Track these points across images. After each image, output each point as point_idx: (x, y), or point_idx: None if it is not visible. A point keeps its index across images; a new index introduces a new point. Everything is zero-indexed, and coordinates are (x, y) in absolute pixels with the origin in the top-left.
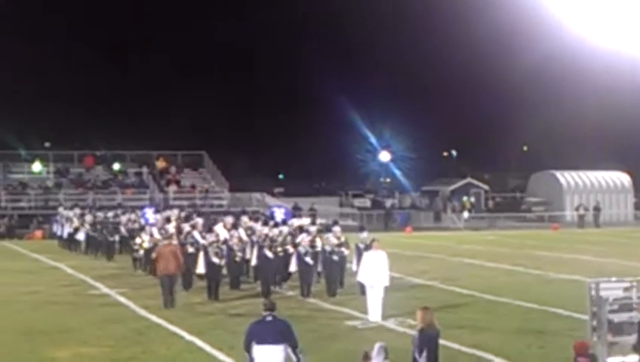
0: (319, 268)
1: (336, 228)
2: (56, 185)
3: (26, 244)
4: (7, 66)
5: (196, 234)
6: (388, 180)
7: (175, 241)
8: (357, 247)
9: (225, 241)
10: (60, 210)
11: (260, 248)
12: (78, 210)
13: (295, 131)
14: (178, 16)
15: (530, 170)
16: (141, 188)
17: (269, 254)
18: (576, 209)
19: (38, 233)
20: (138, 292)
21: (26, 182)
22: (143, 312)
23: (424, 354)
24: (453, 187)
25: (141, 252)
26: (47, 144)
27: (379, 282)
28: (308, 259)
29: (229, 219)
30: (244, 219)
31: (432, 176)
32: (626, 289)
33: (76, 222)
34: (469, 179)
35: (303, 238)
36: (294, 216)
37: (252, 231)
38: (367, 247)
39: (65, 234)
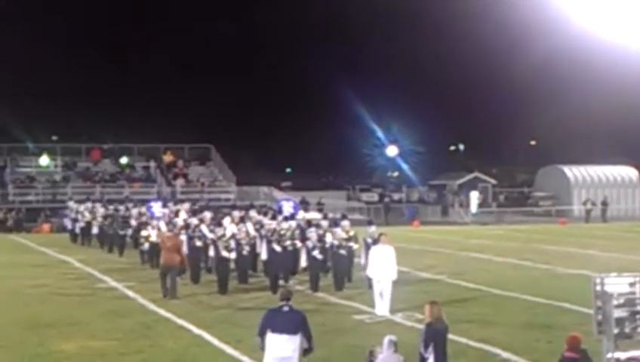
0: (328, 263)
1: (345, 223)
2: (64, 179)
3: (34, 238)
4: (14, 60)
5: (204, 228)
6: (395, 174)
7: (184, 236)
8: (365, 242)
9: (233, 235)
10: (70, 203)
11: (268, 242)
12: (90, 204)
13: (303, 125)
14: (185, 11)
15: (538, 164)
16: (148, 182)
17: (277, 248)
18: (584, 203)
19: (46, 226)
20: (146, 286)
21: (34, 176)
22: (150, 306)
23: (430, 348)
24: (460, 181)
25: (147, 245)
26: (54, 137)
27: (386, 276)
28: (316, 254)
29: (237, 213)
30: (253, 213)
31: (440, 171)
32: (631, 285)
33: (88, 216)
34: (476, 174)
35: (312, 233)
36: (305, 210)
37: (260, 225)
38: (376, 241)
39: (77, 229)
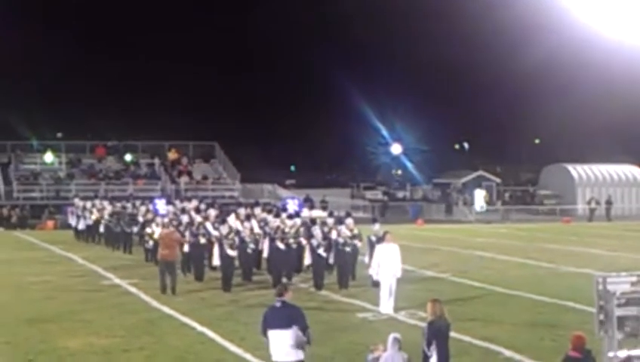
0: (331, 260)
1: (349, 220)
2: (68, 176)
3: (38, 234)
4: (18, 57)
5: (208, 225)
6: (399, 172)
7: (187, 233)
8: (369, 239)
9: (237, 233)
10: (76, 200)
11: (272, 240)
12: (97, 201)
13: (307, 123)
14: (190, 8)
15: (542, 163)
16: (153, 179)
17: (281, 246)
18: (588, 203)
19: (50, 223)
20: (149, 283)
21: (38, 173)
22: (154, 303)
23: (433, 346)
24: (464, 180)
25: (151, 243)
26: (59, 134)
27: (391, 274)
28: (321, 252)
29: (242, 211)
30: (257, 210)
31: (444, 169)
32: (633, 284)
33: (96, 214)
34: (480, 172)
35: (316, 230)
36: (309, 208)
37: (265, 222)
38: (380, 239)
39: (83, 226)
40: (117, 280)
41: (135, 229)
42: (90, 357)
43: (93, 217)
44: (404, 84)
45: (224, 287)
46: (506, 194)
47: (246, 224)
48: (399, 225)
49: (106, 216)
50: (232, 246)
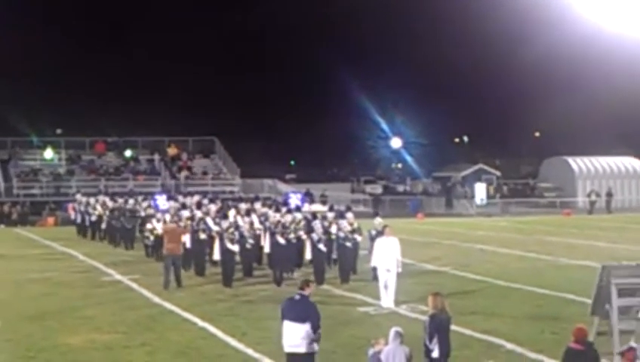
0: (334, 255)
1: (349, 215)
2: (68, 172)
3: (39, 231)
4: (18, 53)
5: (209, 220)
6: (399, 166)
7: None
8: (370, 233)
9: (237, 227)
10: (78, 196)
11: (272, 234)
12: (101, 197)
13: (307, 118)
14: (189, 4)
15: (542, 155)
16: (153, 175)
17: (282, 241)
18: (588, 195)
19: (51, 220)
20: (150, 279)
21: (38, 169)
22: (155, 299)
23: (435, 339)
24: (464, 173)
25: (151, 238)
26: (58, 131)
27: (391, 268)
28: (321, 246)
29: (243, 206)
30: (258, 205)
31: (444, 163)
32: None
33: (100, 210)
34: (480, 165)
35: (317, 225)
36: (309, 202)
37: (266, 217)
38: (380, 233)
39: (86, 222)
40: (118, 276)
41: (137, 225)
42: (91, 353)
43: (97, 213)
44: (403, 78)
45: (225, 282)
46: (504, 188)
47: (246, 219)
48: (399, 219)
49: (108, 213)
50: (232, 241)
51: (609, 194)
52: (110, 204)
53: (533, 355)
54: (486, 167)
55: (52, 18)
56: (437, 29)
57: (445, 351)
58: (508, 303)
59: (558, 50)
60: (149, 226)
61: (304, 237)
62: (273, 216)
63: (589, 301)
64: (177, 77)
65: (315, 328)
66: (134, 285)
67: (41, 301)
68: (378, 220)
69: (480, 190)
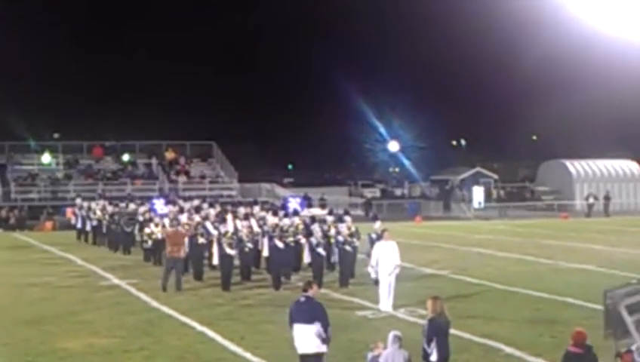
0: (332, 259)
1: (348, 219)
2: (66, 177)
3: (37, 236)
4: (15, 57)
5: (208, 224)
6: (397, 170)
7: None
8: (370, 237)
9: (235, 232)
10: (78, 200)
11: (271, 238)
12: (101, 202)
13: (304, 122)
14: (187, 8)
15: (540, 159)
16: (150, 179)
17: (280, 244)
18: (586, 198)
19: (49, 224)
20: (149, 284)
21: (36, 174)
22: (154, 303)
23: (433, 343)
24: (462, 176)
25: (150, 242)
26: (56, 135)
27: (389, 272)
28: (320, 250)
29: (242, 210)
30: (256, 209)
31: (441, 166)
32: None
33: (99, 214)
34: (478, 169)
35: (315, 229)
36: (307, 206)
37: (264, 221)
38: (380, 237)
39: (87, 226)
40: (116, 281)
41: (136, 229)
42: (90, 357)
43: (97, 217)
44: (401, 81)
45: (223, 286)
46: (502, 191)
47: (244, 223)
48: (397, 222)
49: (107, 217)
50: (230, 246)
51: (607, 198)
52: (110, 208)
53: (532, 359)
54: (484, 171)
55: (50, 21)
56: (435, 33)
57: (444, 355)
58: (506, 307)
59: (556, 54)
60: (147, 230)
61: (302, 241)
62: (271, 219)
63: (588, 304)
64: (175, 81)
65: (325, 326)
66: (133, 289)
67: (40, 305)
68: (378, 224)
69: (478, 193)
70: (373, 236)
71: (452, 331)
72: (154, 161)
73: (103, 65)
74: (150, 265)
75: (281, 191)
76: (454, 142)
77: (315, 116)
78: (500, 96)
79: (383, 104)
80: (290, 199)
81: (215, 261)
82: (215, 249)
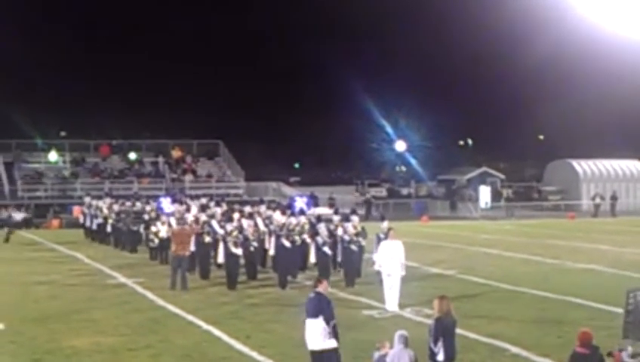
0: (339, 258)
1: (354, 218)
2: (73, 175)
3: (43, 234)
4: (23, 56)
5: (214, 223)
6: (404, 169)
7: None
8: (377, 237)
9: (241, 231)
10: (87, 199)
11: (277, 237)
12: (108, 200)
13: (311, 121)
14: (193, 6)
15: (546, 159)
16: (157, 178)
17: (287, 243)
18: (593, 198)
19: (55, 222)
20: (155, 282)
21: (43, 172)
22: (160, 301)
23: (440, 343)
24: (468, 176)
25: (156, 241)
26: (63, 133)
27: (395, 271)
28: (326, 250)
29: (248, 209)
30: (263, 208)
31: (448, 166)
32: None
33: (106, 212)
34: (484, 168)
35: (322, 228)
36: (314, 205)
37: (270, 220)
38: (387, 237)
39: (94, 225)
40: (123, 279)
41: (142, 228)
42: (96, 356)
43: (103, 216)
44: (408, 81)
45: (229, 285)
46: (509, 191)
47: (250, 222)
48: (404, 221)
49: (113, 215)
50: (236, 244)
51: (613, 198)
52: (116, 207)
53: (538, 359)
54: (490, 170)
55: (56, 20)
56: (441, 32)
57: (450, 355)
58: (513, 307)
59: (562, 53)
60: (153, 229)
61: (308, 240)
62: (278, 218)
63: (594, 304)
64: (181, 80)
65: (328, 320)
66: (139, 288)
67: (46, 303)
68: (385, 224)
69: (484, 193)
70: (381, 236)
71: (458, 331)
72: (160, 159)
73: (109, 64)
74: (156, 263)
75: (287, 190)
76: (461, 142)
77: (321, 115)
78: (506, 96)
79: (389, 104)
80: (297, 198)
81: (220, 260)
82: (221, 248)
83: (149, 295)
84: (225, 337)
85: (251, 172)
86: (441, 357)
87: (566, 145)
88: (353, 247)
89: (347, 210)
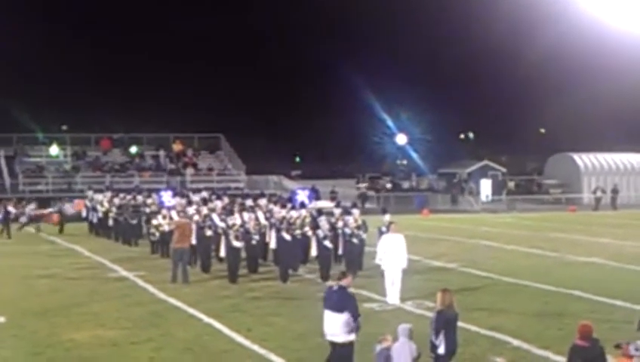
0: (339, 251)
1: (355, 211)
2: (74, 169)
3: (44, 227)
4: (24, 49)
5: (215, 217)
6: (405, 163)
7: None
8: (379, 230)
9: (242, 224)
10: (89, 193)
11: (278, 231)
12: (109, 193)
13: (312, 114)
14: (193, 6)
15: (548, 152)
16: (158, 171)
17: (287, 237)
18: (594, 192)
19: (56, 216)
20: (156, 275)
21: (44, 166)
22: (161, 295)
23: (441, 335)
24: (470, 169)
25: (157, 234)
26: (64, 127)
27: (396, 264)
28: (327, 243)
29: (249, 202)
30: (264, 201)
31: (449, 159)
32: None
33: (106, 205)
34: (486, 162)
35: (323, 221)
36: (315, 199)
37: (271, 213)
38: (388, 230)
39: (94, 219)
40: (123, 273)
41: (143, 221)
42: (97, 349)
43: (103, 209)
44: (409, 74)
45: (230, 279)
46: (510, 184)
47: (251, 215)
48: (405, 215)
49: (114, 209)
50: (237, 238)
51: (614, 191)
52: (116, 200)
53: (539, 352)
54: (491, 164)
55: (57, 14)
56: (443, 25)
57: (451, 348)
58: (514, 300)
59: (564, 47)
60: (154, 222)
61: (309, 233)
62: (278, 212)
63: (595, 297)
64: (182, 73)
65: (355, 317)
66: (140, 281)
67: (47, 297)
68: (387, 217)
69: (486, 186)
70: (383, 229)
71: (459, 324)
72: (161, 153)
73: (110, 57)
74: (157, 257)
75: (288, 183)
76: (462, 135)
77: (322, 109)
78: (508, 90)
79: (390, 97)
80: (299, 191)
81: (222, 253)
82: (222, 241)
83: (150, 288)
84: (226, 330)
85: (252, 165)
86: (442, 350)
87: (567, 139)
88: (354, 240)
89: (348, 204)
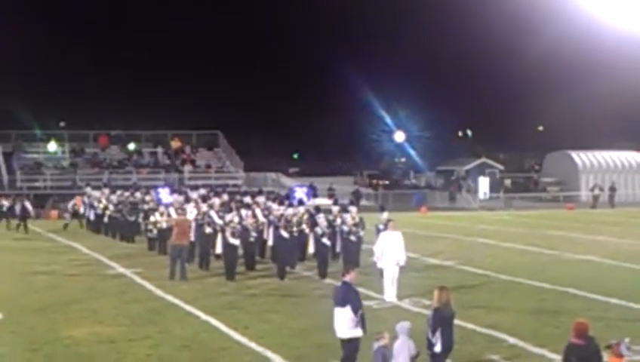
0: (337, 249)
1: (352, 209)
2: (72, 165)
3: (42, 224)
4: (22, 46)
5: (213, 214)
6: (403, 160)
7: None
8: (377, 228)
9: (240, 221)
10: (88, 189)
11: (276, 228)
12: (107, 190)
13: (310, 111)
14: (193, 6)
15: (546, 150)
16: (156, 168)
17: (285, 234)
18: (592, 189)
19: (54, 213)
20: (154, 272)
21: (42, 162)
22: (158, 292)
23: (437, 333)
24: (468, 167)
25: (155, 231)
26: (62, 124)
27: (393, 262)
28: (325, 241)
29: (247, 199)
30: (262, 198)
31: (447, 156)
32: None
33: (104, 202)
34: (483, 159)
35: (320, 219)
36: (313, 196)
37: (269, 211)
38: (386, 228)
39: (92, 216)
40: (121, 270)
41: (140, 218)
42: (95, 346)
43: (101, 206)
44: (407, 71)
45: (228, 276)
46: (507, 181)
47: (248, 212)
48: (403, 212)
49: (111, 206)
50: (234, 235)
51: (612, 189)
52: (114, 197)
53: (535, 349)
54: (489, 161)
55: (55, 11)
56: (441, 23)
57: (448, 346)
58: (510, 297)
59: (562, 45)
60: (152, 219)
61: (307, 231)
62: (276, 209)
63: (592, 295)
64: (180, 70)
65: (355, 310)
66: (137, 278)
67: (45, 294)
68: (385, 215)
69: (483, 184)
70: (381, 227)
71: (456, 321)
72: (159, 150)
73: (108, 55)
74: (155, 253)
75: (286, 180)
76: (460, 133)
77: (320, 106)
78: (506, 87)
79: (389, 94)
80: (297, 189)
81: (218, 250)
82: (219, 238)
83: (148, 285)
84: (223, 327)
85: (250, 162)
86: (438, 347)
87: (565, 137)
88: (352, 238)
89: (346, 201)
